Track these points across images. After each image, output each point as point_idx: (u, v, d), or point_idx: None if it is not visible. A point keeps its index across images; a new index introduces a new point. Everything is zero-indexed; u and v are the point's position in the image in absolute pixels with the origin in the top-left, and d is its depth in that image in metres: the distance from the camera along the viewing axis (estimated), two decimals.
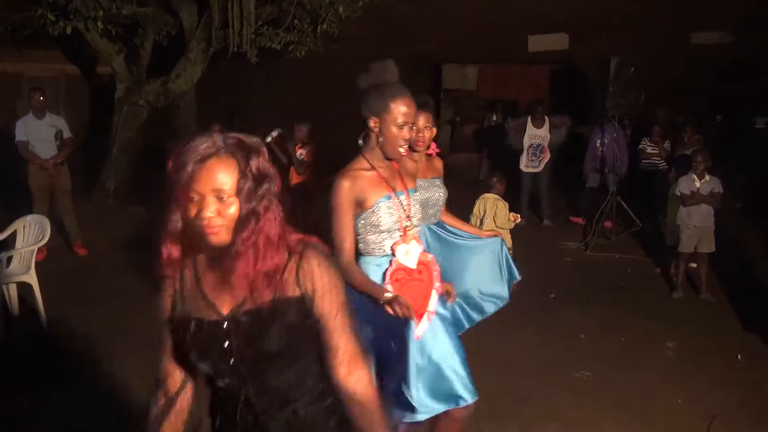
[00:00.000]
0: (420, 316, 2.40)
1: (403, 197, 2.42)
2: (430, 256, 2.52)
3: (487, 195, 5.27)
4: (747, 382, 4.12)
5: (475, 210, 5.23)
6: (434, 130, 3.15)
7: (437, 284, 2.51)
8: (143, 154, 9.28)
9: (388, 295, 2.22)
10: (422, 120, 3.01)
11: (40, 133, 6.69)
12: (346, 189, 2.32)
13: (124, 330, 4.50)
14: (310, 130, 6.54)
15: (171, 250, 1.43)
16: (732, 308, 5.45)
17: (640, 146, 7.94)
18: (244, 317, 1.44)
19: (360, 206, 2.35)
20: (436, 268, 2.52)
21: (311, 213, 6.62)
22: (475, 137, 12.62)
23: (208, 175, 1.35)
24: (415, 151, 3.03)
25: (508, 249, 5.24)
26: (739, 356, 4.49)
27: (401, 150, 2.36)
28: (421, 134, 3.02)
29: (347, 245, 2.33)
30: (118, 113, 9.07)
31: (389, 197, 2.37)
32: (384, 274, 2.39)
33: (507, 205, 5.18)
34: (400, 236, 2.40)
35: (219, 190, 1.36)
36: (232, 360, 1.45)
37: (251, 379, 1.47)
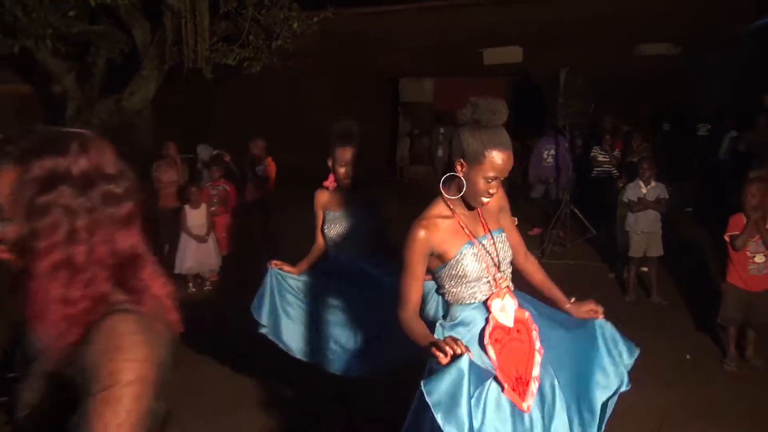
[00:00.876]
0: (524, 384, 2.09)
1: (486, 241, 2.19)
2: (527, 314, 2.20)
3: None
4: (696, 381, 4.24)
5: None
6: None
7: (538, 345, 2.17)
8: None
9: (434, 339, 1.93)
10: (350, 154, 3.15)
11: None
12: (421, 240, 2.10)
13: None
14: (266, 145, 6.51)
15: None
16: (682, 309, 5.60)
17: (592, 154, 8.14)
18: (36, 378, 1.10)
19: (440, 258, 2.14)
20: (535, 326, 2.20)
21: (269, 228, 6.61)
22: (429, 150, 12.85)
23: None
24: (342, 186, 3.24)
25: None
26: (688, 356, 4.61)
27: (484, 201, 2.12)
28: (350, 172, 3.18)
29: (414, 299, 2.12)
30: None
31: (471, 243, 2.14)
32: (482, 333, 2.10)
33: None
34: (492, 288, 2.14)
35: None
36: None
37: None
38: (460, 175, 2.10)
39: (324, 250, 3.40)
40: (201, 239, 6.11)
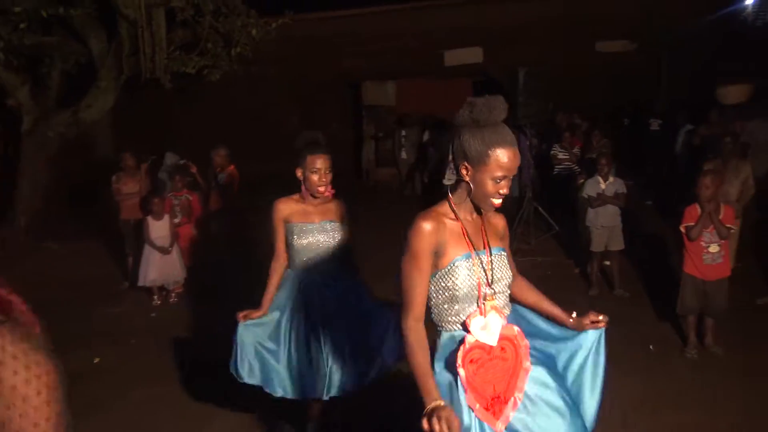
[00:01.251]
0: (502, 403, 2.01)
1: (484, 257, 2.06)
2: (516, 329, 2.06)
3: None
4: (660, 372, 4.34)
5: None
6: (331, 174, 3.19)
7: (527, 363, 2.06)
8: (59, 188, 8.97)
9: (432, 404, 1.83)
10: (320, 162, 3.11)
11: None
12: (429, 232, 1.97)
13: None
14: (228, 153, 6.45)
15: None
16: (645, 301, 5.72)
17: (552, 152, 8.26)
18: None
19: (437, 259, 2.01)
20: (525, 342, 2.07)
21: (235, 237, 6.55)
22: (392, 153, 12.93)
23: None
24: (315, 197, 3.19)
25: None
26: (651, 346, 4.72)
27: (495, 202, 2.02)
28: (324, 179, 3.14)
29: (419, 300, 1.99)
30: (25, 146, 8.72)
31: (469, 256, 2.02)
32: (455, 355, 1.98)
33: None
34: (477, 306, 2.02)
35: None
36: None
37: None
38: (467, 179, 2.00)
39: (286, 266, 3.27)
40: (164, 251, 6.03)
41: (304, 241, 3.15)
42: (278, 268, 3.26)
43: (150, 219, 6.00)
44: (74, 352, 4.87)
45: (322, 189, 3.11)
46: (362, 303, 3.27)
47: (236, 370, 3.12)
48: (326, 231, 3.18)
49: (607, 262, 6.10)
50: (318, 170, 3.08)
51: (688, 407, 3.83)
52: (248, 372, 3.12)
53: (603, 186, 5.84)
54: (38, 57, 9.42)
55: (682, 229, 4.44)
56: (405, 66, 13.59)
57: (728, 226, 4.34)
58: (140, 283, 6.13)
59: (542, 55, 12.93)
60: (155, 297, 6.22)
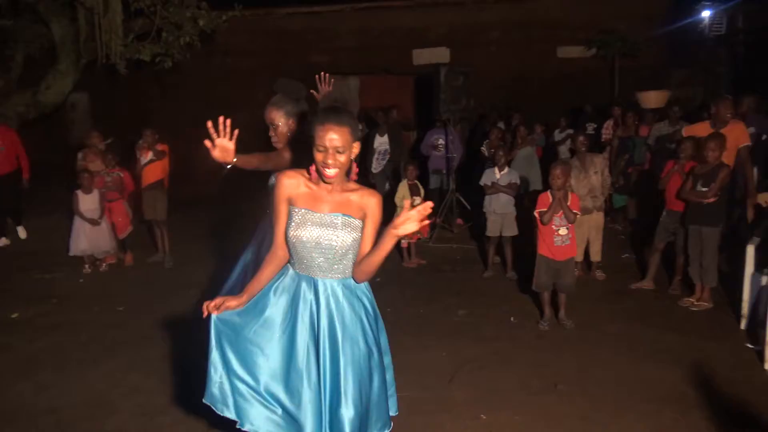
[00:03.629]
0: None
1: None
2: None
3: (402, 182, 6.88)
4: (510, 338, 4.85)
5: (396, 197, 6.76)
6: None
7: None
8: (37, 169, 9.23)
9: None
10: (329, 138, 2.38)
11: None
12: None
13: None
14: (155, 133, 6.87)
15: None
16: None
17: (482, 149, 8.74)
18: None
19: None
20: None
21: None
22: None
23: None
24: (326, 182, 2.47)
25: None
26: (512, 318, 5.23)
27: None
28: (333, 159, 2.41)
29: None
30: None
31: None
32: None
33: (406, 187, 6.81)
34: None
35: None
36: None
37: None
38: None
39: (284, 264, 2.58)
40: (94, 222, 6.52)
41: (300, 234, 2.43)
42: (273, 260, 2.55)
43: (80, 192, 6.50)
44: (1, 306, 5.63)
45: (329, 173, 2.36)
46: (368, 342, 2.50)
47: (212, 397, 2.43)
48: (333, 226, 2.41)
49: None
50: (325, 149, 2.33)
51: (515, 366, 4.34)
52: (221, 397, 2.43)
53: (498, 176, 6.34)
54: (2, 40, 9.90)
55: (536, 215, 4.95)
56: (373, 63, 14.07)
57: (574, 211, 4.85)
58: (71, 252, 6.63)
59: (505, 55, 13.54)
60: (86, 265, 6.71)
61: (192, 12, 8.78)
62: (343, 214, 2.40)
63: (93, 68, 9.55)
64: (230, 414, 2.39)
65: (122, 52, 9.06)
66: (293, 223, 2.43)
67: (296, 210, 2.43)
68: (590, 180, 5.78)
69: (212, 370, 2.40)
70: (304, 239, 2.40)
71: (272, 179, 3.52)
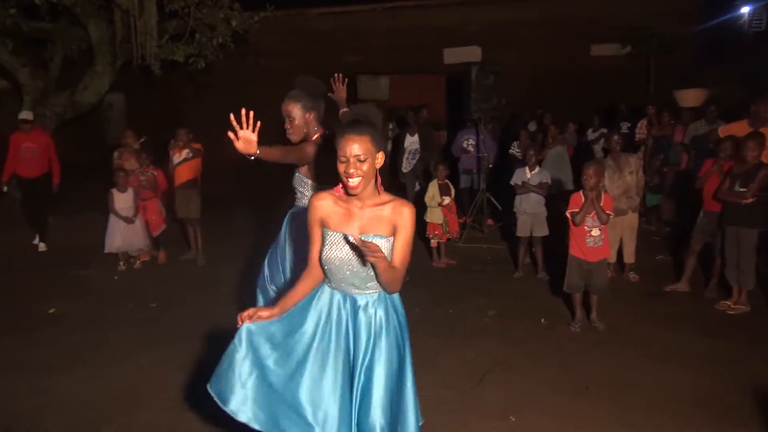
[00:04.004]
0: None
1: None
2: None
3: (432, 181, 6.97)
4: (540, 340, 4.79)
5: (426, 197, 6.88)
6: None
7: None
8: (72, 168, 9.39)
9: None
10: (350, 148, 2.35)
11: None
12: None
13: None
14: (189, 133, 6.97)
15: None
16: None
17: (510, 151, 8.67)
18: None
19: None
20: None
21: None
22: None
23: None
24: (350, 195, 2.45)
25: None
26: (543, 320, 5.17)
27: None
28: (355, 169, 2.37)
29: None
30: None
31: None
32: None
33: (436, 187, 6.84)
34: None
35: None
36: None
37: None
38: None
39: (319, 283, 2.57)
40: (128, 220, 6.64)
41: (332, 255, 2.42)
42: (309, 278, 2.55)
43: (115, 191, 6.62)
44: (39, 302, 5.75)
45: (352, 183, 2.33)
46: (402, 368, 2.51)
47: (221, 393, 2.44)
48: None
49: (534, 249, 6.53)
50: (347, 159, 2.31)
51: (545, 367, 4.29)
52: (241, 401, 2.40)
53: (528, 175, 6.28)
54: (42, 41, 10.15)
55: (568, 215, 4.88)
56: (405, 62, 14.07)
57: (607, 212, 4.77)
58: (106, 249, 6.76)
59: (540, 55, 13.39)
60: (121, 262, 6.84)
61: (225, 13, 8.88)
62: (374, 235, 2.37)
63: (128, 69, 9.71)
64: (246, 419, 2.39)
65: (157, 53, 9.19)
66: (326, 245, 2.42)
67: (329, 232, 2.43)
68: (625, 180, 5.69)
69: (231, 372, 2.41)
70: (337, 262, 2.40)
71: (296, 176, 3.56)
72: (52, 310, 5.56)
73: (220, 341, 4.50)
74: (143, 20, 9.01)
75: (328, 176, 3.27)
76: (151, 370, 4.30)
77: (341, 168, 2.32)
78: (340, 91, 4.00)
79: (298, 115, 3.47)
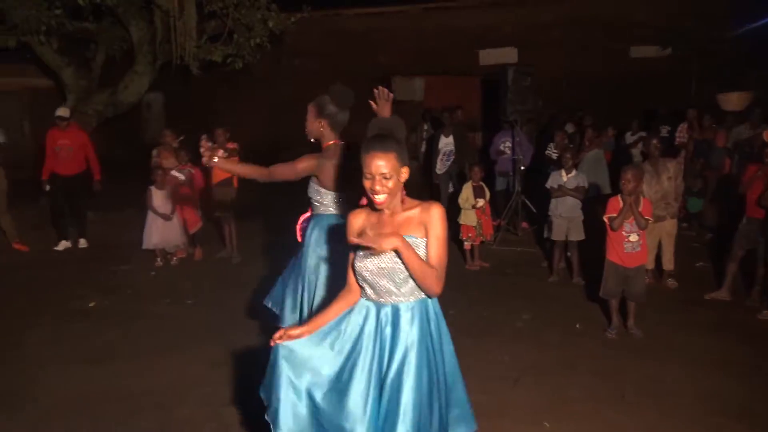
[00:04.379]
0: None
1: None
2: None
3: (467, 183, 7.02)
4: (575, 345, 4.73)
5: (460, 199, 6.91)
6: None
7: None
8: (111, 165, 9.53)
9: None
10: (375, 165, 2.34)
11: None
12: None
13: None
14: (227, 132, 7.04)
15: None
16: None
17: (546, 152, 8.57)
18: None
19: None
20: None
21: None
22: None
23: None
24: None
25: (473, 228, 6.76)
26: (578, 325, 5.10)
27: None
28: (381, 186, 2.36)
29: None
30: None
31: None
32: None
33: (470, 189, 6.84)
34: None
35: None
36: None
37: None
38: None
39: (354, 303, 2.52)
40: (166, 217, 6.76)
41: (365, 263, 2.40)
42: (345, 297, 2.54)
43: (153, 189, 6.74)
44: (78, 296, 5.89)
45: (378, 199, 2.35)
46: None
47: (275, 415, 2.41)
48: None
49: (569, 253, 6.44)
50: (372, 176, 2.32)
51: (579, 373, 4.23)
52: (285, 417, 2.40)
53: (565, 179, 6.20)
54: (85, 41, 10.39)
55: (606, 220, 4.80)
56: (440, 63, 14.05)
57: (646, 217, 4.69)
58: (144, 246, 6.89)
59: (576, 57, 13.22)
60: (158, 259, 6.96)
61: (262, 14, 8.98)
62: (405, 236, 2.33)
63: (168, 69, 9.87)
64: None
65: (195, 53, 9.32)
66: (359, 255, 2.41)
67: None
68: (663, 186, 5.58)
69: (272, 385, 2.43)
70: (370, 267, 2.38)
71: (310, 186, 3.54)
72: (92, 304, 5.69)
73: (253, 338, 4.60)
74: (183, 21, 9.15)
75: (346, 186, 3.41)
76: (188, 365, 4.36)
77: (367, 184, 2.33)
78: (384, 108, 3.42)
79: (309, 119, 3.56)
